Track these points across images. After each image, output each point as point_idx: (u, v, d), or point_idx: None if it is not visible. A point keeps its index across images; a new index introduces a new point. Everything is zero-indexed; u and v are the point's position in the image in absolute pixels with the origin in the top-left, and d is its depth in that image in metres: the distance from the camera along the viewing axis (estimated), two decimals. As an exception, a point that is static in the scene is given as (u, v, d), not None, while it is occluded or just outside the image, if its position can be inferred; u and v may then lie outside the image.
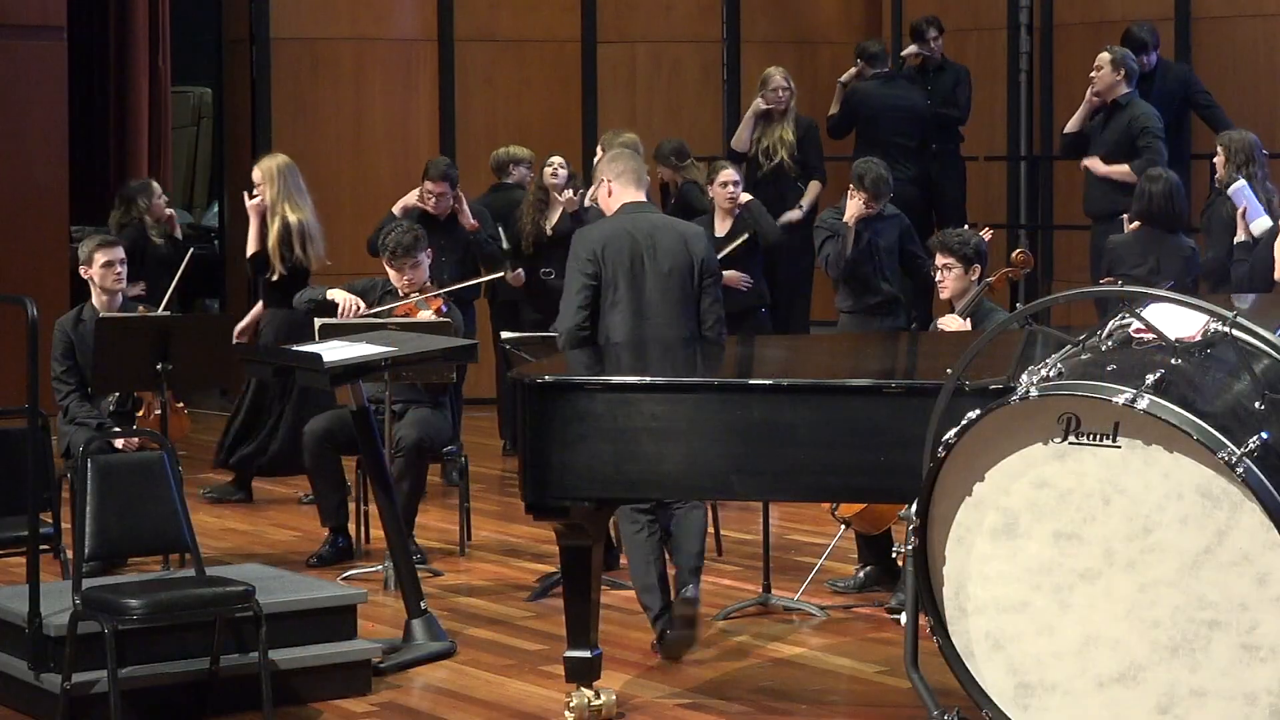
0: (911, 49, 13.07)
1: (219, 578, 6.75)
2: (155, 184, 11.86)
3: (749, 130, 12.31)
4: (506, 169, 12.10)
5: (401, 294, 9.15)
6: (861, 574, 8.40)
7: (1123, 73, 11.33)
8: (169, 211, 11.89)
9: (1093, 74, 11.43)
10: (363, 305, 9.10)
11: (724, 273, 10.50)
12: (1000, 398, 5.50)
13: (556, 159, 11.42)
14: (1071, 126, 11.73)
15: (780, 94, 12.18)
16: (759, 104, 12.26)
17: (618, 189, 7.63)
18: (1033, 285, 13.49)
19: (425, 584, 7.78)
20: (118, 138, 13.52)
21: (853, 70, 12.91)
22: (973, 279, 8.32)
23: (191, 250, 11.15)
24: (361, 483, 9.13)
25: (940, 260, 8.37)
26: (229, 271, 14.85)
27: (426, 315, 8.99)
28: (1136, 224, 9.90)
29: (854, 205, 10.03)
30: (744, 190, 11.13)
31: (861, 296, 10.12)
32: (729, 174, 10.93)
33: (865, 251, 10.03)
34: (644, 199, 7.68)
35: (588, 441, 6.23)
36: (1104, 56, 11.41)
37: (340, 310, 9.06)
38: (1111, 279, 9.64)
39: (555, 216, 11.29)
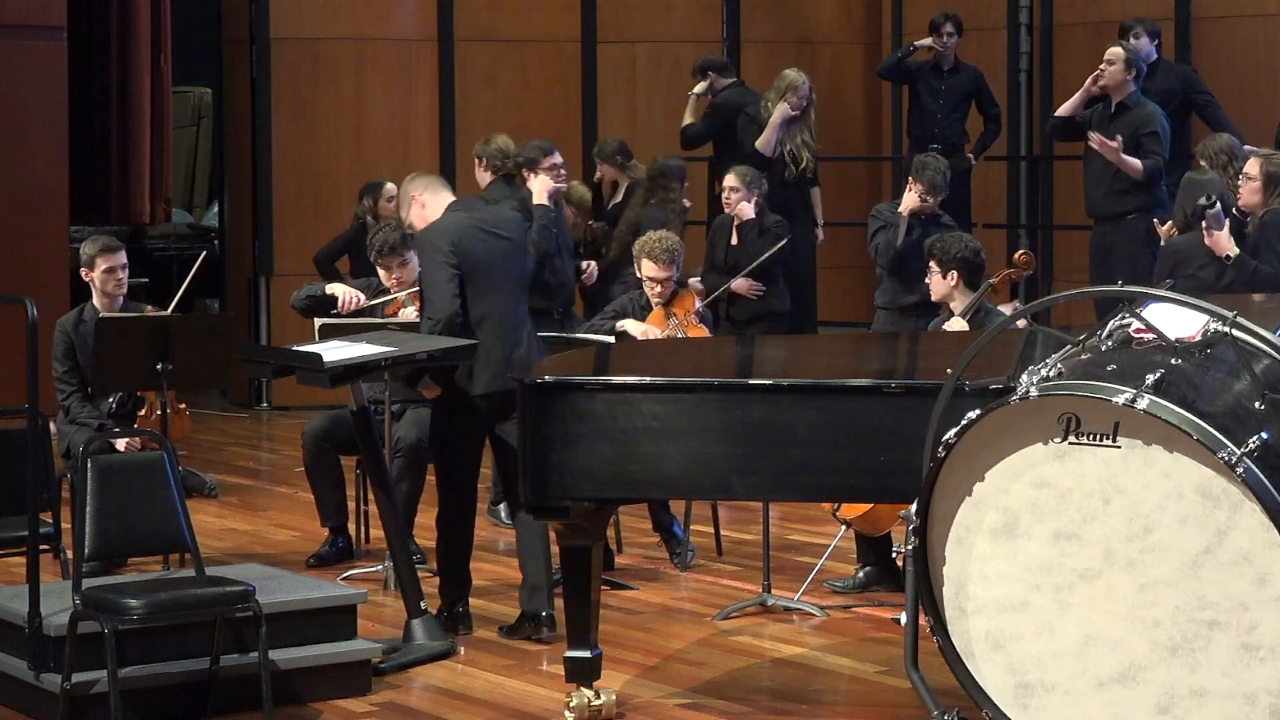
0: (925, 41, 13.06)
1: (219, 578, 6.75)
2: (389, 185, 11.44)
3: (775, 134, 12.21)
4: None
5: (391, 292, 9.13)
6: (861, 574, 8.40)
7: (1134, 73, 11.28)
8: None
9: (1103, 68, 11.33)
10: (363, 297, 9.05)
11: (734, 281, 10.49)
12: (1000, 398, 5.50)
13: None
14: (1064, 111, 11.66)
15: (803, 99, 12.18)
16: (786, 109, 12.17)
17: (431, 198, 7.91)
18: (1033, 285, 13.49)
19: (425, 584, 7.78)
20: (118, 138, 13.50)
21: (704, 83, 12.75)
22: (950, 284, 8.37)
23: (205, 253, 11.18)
24: (361, 483, 9.13)
25: (931, 265, 8.48)
26: (229, 271, 14.86)
27: (409, 313, 8.94)
28: (1169, 227, 9.77)
29: (910, 198, 10.02)
30: (770, 195, 11.08)
31: (899, 295, 10.09)
32: (727, 179, 10.88)
33: (914, 248, 9.97)
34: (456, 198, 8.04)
35: (588, 441, 6.24)
36: (1118, 53, 11.29)
37: (340, 303, 9.01)
38: (1172, 282, 9.46)
39: None
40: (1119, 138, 11.10)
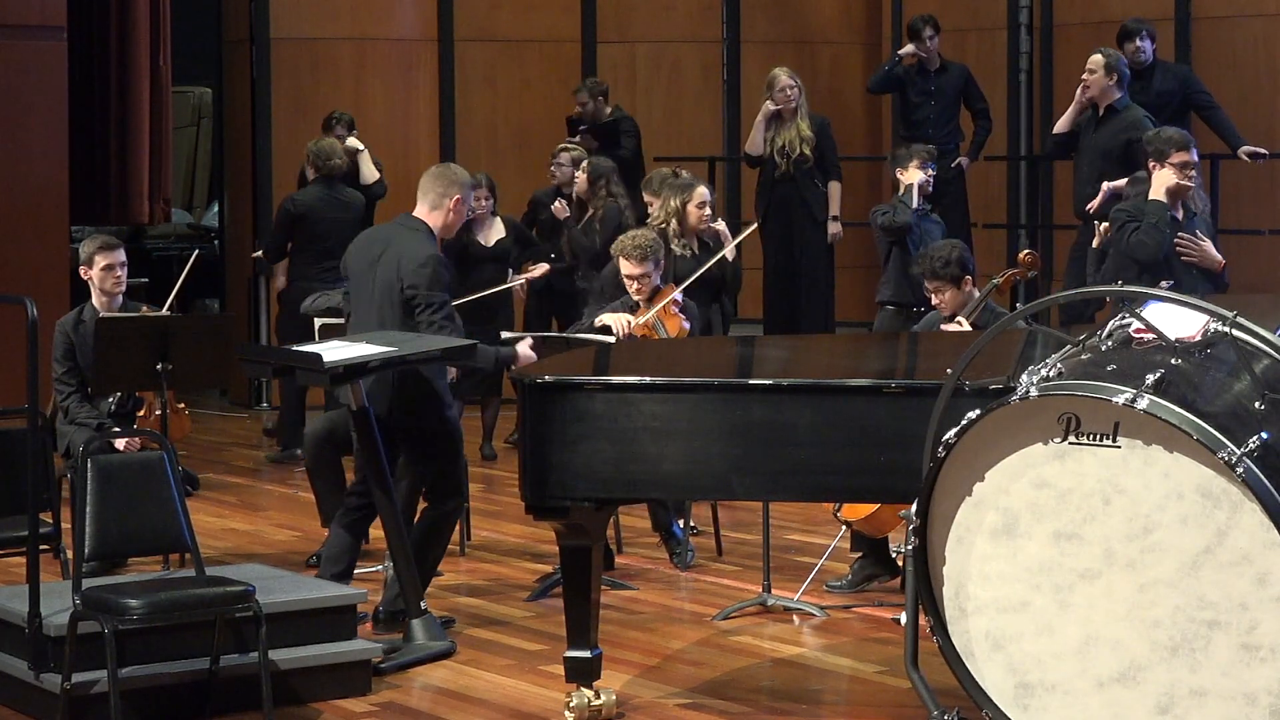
0: (908, 49, 13.10)
1: (219, 578, 6.75)
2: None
3: (761, 132, 12.40)
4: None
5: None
6: (856, 566, 8.35)
7: (1115, 77, 11.32)
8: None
9: (1085, 76, 11.40)
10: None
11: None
12: (1000, 398, 5.50)
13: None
14: (1061, 127, 11.73)
15: (787, 93, 12.29)
16: (768, 106, 12.38)
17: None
18: (1033, 285, 13.49)
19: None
20: (118, 138, 13.49)
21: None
22: (967, 289, 8.34)
23: (198, 251, 11.19)
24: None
25: (930, 285, 8.39)
26: (229, 271, 14.86)
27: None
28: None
29: (914, 173, 10.36)
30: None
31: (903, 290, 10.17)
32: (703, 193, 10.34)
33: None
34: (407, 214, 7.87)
35: (588, 441, 6.23)
36: (1097, 59, 11.37)
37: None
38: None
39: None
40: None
